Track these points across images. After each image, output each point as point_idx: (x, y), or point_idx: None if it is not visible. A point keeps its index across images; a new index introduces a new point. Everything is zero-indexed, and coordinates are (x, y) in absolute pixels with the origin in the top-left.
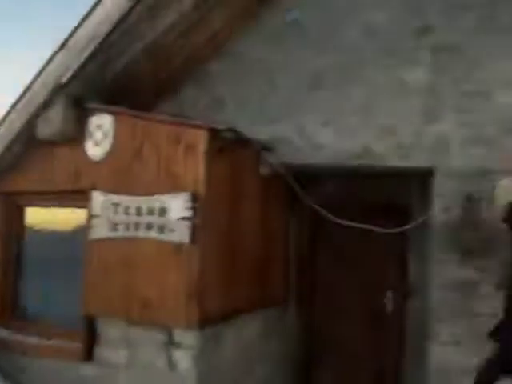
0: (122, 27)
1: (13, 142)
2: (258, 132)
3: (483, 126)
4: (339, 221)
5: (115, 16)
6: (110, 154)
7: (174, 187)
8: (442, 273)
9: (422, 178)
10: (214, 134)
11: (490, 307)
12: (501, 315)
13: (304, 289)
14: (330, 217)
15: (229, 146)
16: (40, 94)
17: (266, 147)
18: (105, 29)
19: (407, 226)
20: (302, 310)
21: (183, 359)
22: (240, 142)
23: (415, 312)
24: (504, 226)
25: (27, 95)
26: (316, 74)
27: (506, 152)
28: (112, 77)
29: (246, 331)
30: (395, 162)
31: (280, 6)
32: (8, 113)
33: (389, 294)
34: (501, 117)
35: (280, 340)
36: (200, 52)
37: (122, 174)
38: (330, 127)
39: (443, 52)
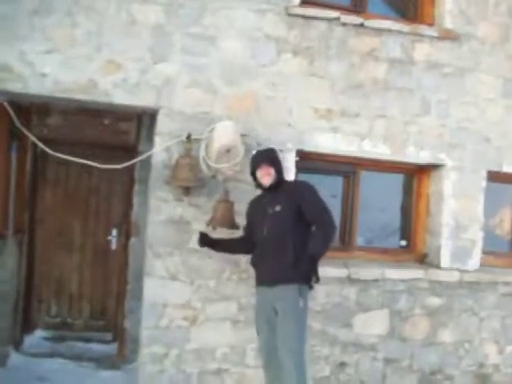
0: None
1: None
2: None
3: (207, 70)
4: (58, 155)
5: None
6: None
7: None
8: (161, 210)
9: (149, 118)
10: None
11: None
12: None
13: (24, 224)
14: (49, 150)
15: None
16: None
17: None
18: None
19: (127, 163)
20: (21, 245)
21: None
22: None
23: (137, 249)
24: None
25: None
26: None
27: (226, 97)
28: None
29: None
30: (121, 99)
31: None
32: None
33: (113, 231)
34: (224, 63)
35: None
36: None
37: None
38: (54, 56)
39: None
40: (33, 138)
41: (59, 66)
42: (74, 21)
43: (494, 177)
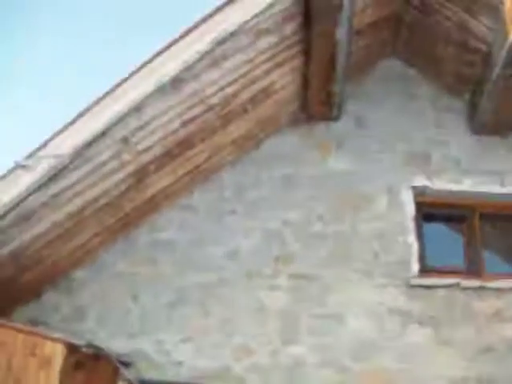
0: None
1: None
2: (118, 346)
3: (335, 348)
4: None
5: None
6: None
7: None
8: None
9: None
10: (71, 348)
11: None
12: None
13: None
14: None
15: (86, 362)
16: None
17: (125, 362)
18: None
19: None
20: None
21: None
22: (98, 357)
23: None
24: None
25: None
26: (179, 291)
27: (357, 374)
28: None
29: None
30: (253, 382)
31: (149, 226)
32: None
33: None
34: (351, 340)
35: None
36: (66, 259)
37: None
38: (189, 344)
39: (300, 278)
40: None
41: (194, 354)
42: (207, 310)
43: None
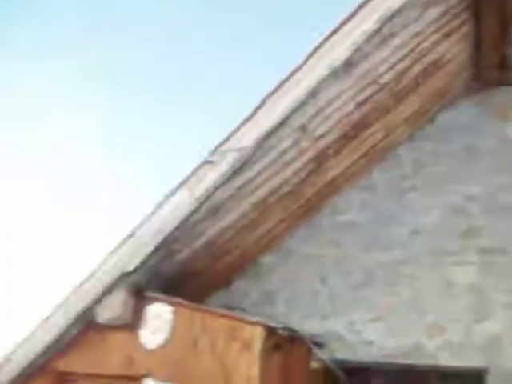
0: (185, 225)
1: (72, 323)
2: (310, 327)
3: None
4: None
5: (181, 214)
6: (166, 344)
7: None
8: None
9: (474, 378)
10: (270, 331)
11: None
12: None
13: None
14: None
15: (283, 344)
16: (103, 280)
17: (318, 343)
18: (170, 225)
19: None
20: None
21: None
22: (293, 339)
23: None
24: None
25: (90, 280)
26: (365, 271)
27: None
28: (171, 269)
29: None
30: (446, 361)
31: (330, 209)
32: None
33: None
34: None
35: None
36: (253, 247)
37: (175, 365)
38: (379, 324)
39: (489, 252)
40: None
41: (384, 333)
42: (395, 289)
43: None
